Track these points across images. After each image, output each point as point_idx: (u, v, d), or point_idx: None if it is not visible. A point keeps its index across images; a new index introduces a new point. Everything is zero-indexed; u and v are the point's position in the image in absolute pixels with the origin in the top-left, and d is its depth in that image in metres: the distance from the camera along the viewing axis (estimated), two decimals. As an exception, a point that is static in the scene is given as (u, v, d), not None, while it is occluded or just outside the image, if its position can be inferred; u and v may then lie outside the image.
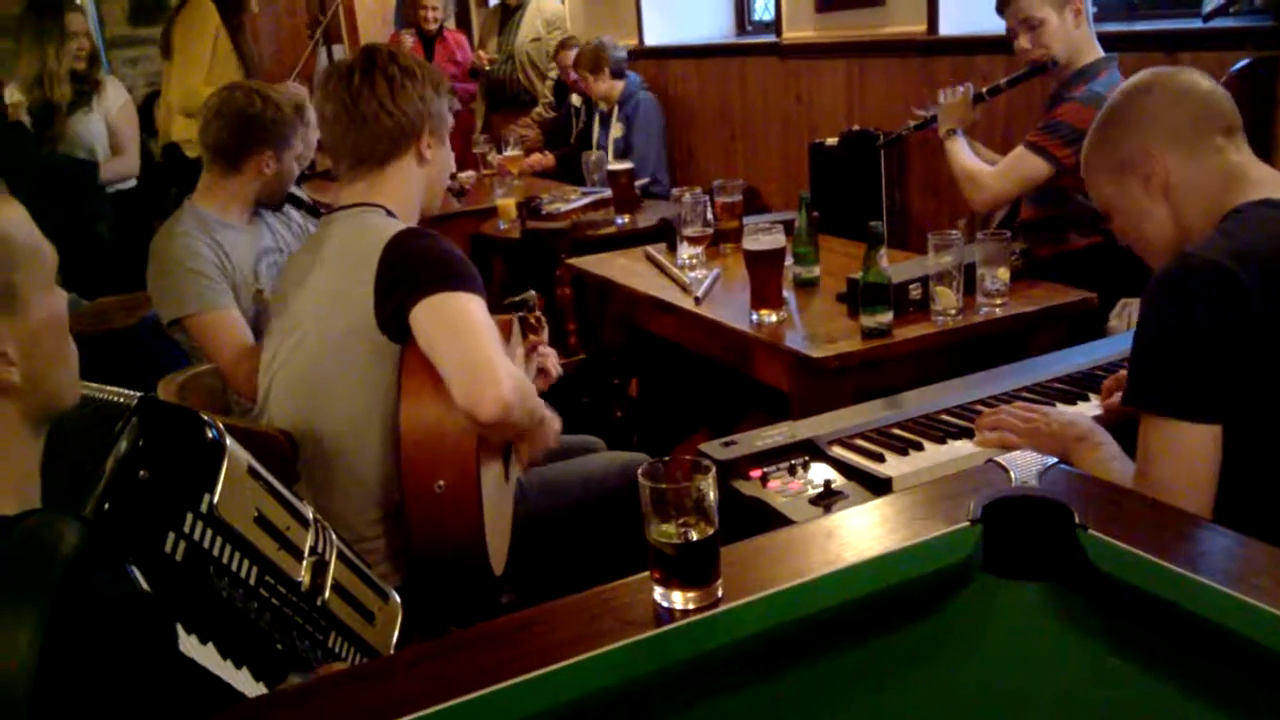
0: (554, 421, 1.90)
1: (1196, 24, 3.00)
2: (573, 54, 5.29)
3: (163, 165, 4.55)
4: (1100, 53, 2.87)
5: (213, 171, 2.41)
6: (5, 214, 1.11)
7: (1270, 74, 2.88)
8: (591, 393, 3.52)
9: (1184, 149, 1.56)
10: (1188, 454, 1.40)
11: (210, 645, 1.08)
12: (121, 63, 7.55)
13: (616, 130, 5.03)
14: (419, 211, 1.98)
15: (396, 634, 1.42)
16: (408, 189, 1.93)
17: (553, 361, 2.18)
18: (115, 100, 4.18)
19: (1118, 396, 1.82)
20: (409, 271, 1.74)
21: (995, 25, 3.04)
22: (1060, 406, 1.82)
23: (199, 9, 4.11)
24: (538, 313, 2.15)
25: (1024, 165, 2.81)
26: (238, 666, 1.11)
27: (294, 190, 2.60)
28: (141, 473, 1.07)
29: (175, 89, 4.27)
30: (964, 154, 2.94)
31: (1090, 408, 1.82)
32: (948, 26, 3.84)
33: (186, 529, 1.08)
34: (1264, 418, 1.41)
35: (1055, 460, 1.22)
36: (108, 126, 4.17)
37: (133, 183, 4.31)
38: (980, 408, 1.82)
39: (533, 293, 2.16)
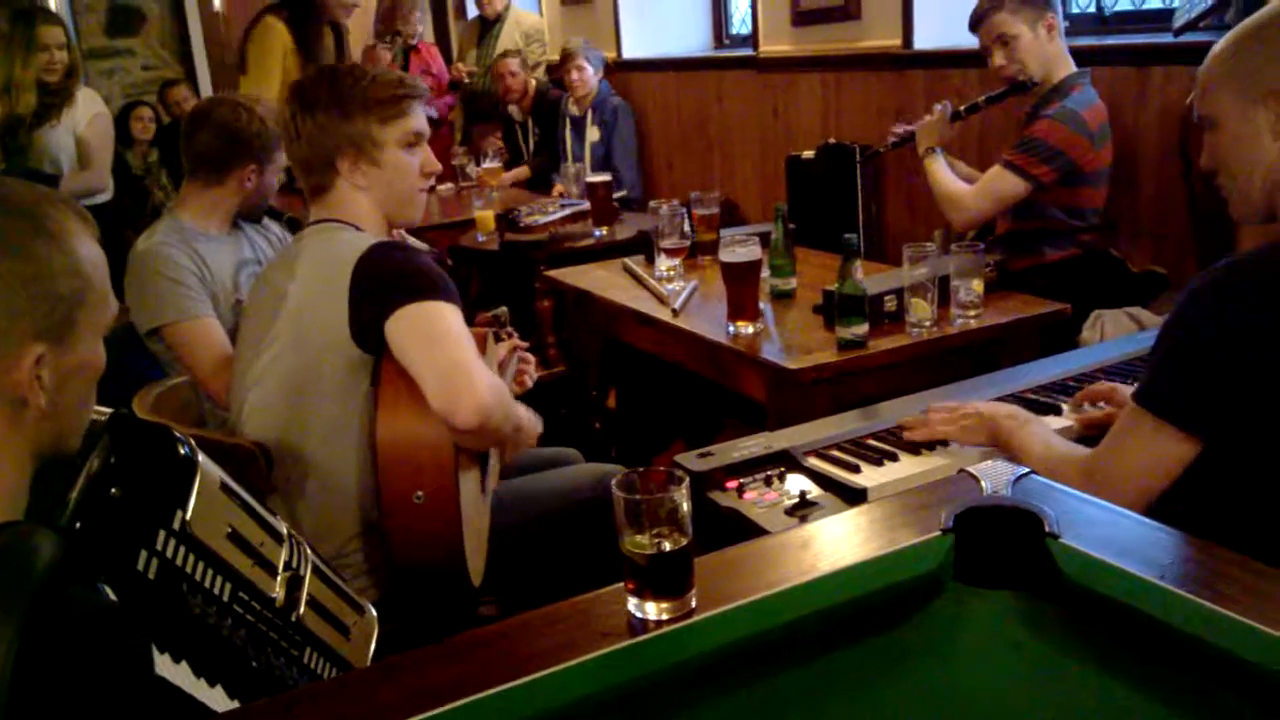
0: (534, 424, 1.91)
1: (1168, 39, 3.04)
2: (513, 62, 5.44)
3: None
4: (1073, 67, 2.91)
5: (195, 182, 2.42)
6: (90, 254, 1.15)
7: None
8: (569, 404, 3.52)
9: None
10: (1158, 457, 1.39)
11: (183, 663, 1.08)
12: (98, 74, 7.52)
13: (593, 134, 5.11)
14: (384, 226, 1.97)
15: (373, 648, 1.42)
16: (358, 208, 1.92)
17: (530, 369, 2.19)
18: (85, 113, 4.11)
19: (1090, 410, 1.83)
20: (382, 284, 1.74)
21: (969, 40, 3.07)
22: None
23: (270, 29, 4.00)
24: (509, 328, 2.16)
25: (1001, 184, 2.84)
26: (211, 685, 1.10)
27: (272, 203, 2.61)
28: (113, 490, 1.07)
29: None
30: (943, 173, 2.96)
31: (1062, 420, 1.83)
32: (922, 41, 3.87)
33: (159, 546, 1.07)
34: (1264, 445, 1.36)
35: (1027, 470, 1.24)
36: (76, 140, 4.11)
37: (106, 196, 4.25)
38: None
39: (504, 309, 2.18)
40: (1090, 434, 1.77)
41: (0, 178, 1.27)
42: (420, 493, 1.66)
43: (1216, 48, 1.47)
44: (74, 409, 1.16)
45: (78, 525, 1.06)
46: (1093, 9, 3.66)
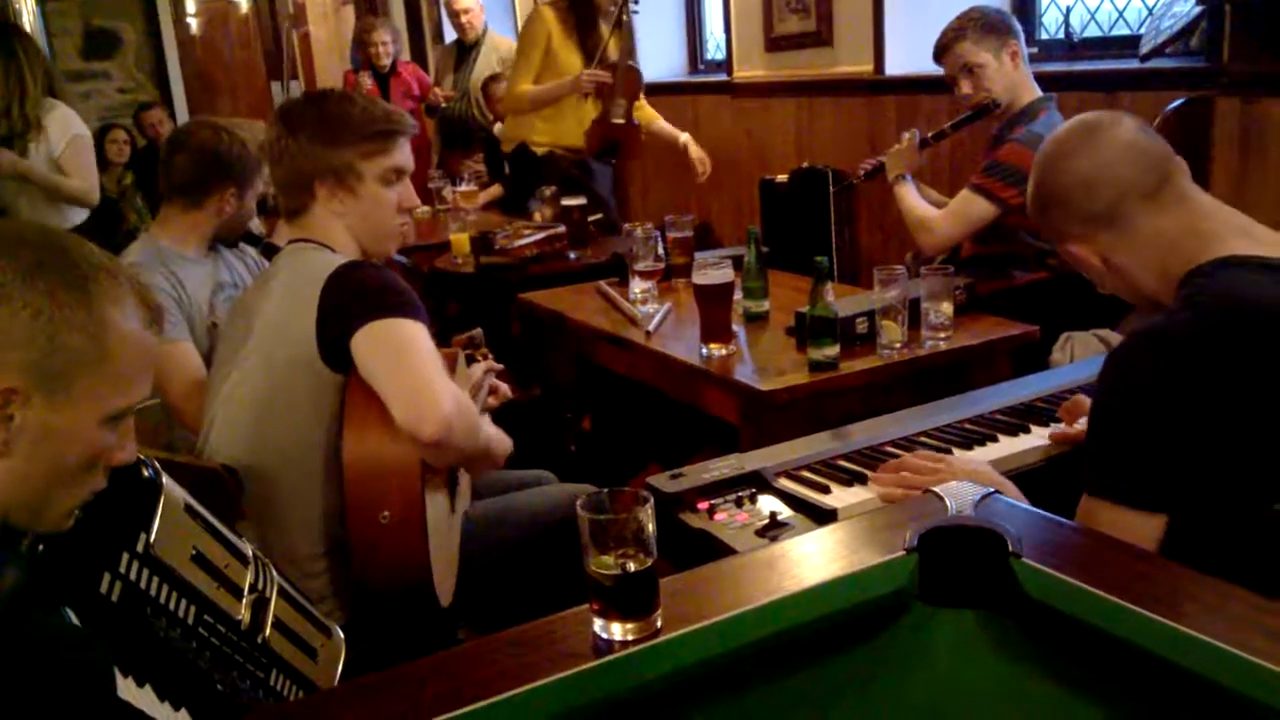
0: (504, 445, 1.91)
1: (1135, 64, 3.09)
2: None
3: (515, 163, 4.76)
4: (1039, 93, 2.95)
5: (174, 205, 2.41)
6: (125, 331, 1.11)
7: (1205, 113, 2.97)
8: (545, 427, 3.52)
9: (1150, 200, 1.47)
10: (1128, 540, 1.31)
11: (147, 687, 1.07)
12: (73, 97, 7.48)
13: None
14: (358, 252, 1.96)
15: (340, 670, 1.41)
16: (334, 232, 1.92)
17: (503, 388, 2.19)
18: (61, 138, 4.04)
19: (1061, 428, 1.84)
20: (349, 300, 1.75)
21: (938, 66, 3.11)
22: (958, 453, 1.79)
23: (538, 17, 4.35)
24: (484, 349, 2.16)
25: (970, 208, 2.87)
26: (176, 708, 1.10)
27: (250, 227, 2.60)
28: (75, 513, 1.06)
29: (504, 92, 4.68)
30: (913, 198, 3.00)
31: (1031, 440, 1.85)
32: (893, 67, 3.92)
33: (122, 569, 1.07)
34: (1224, 505, 1.33)
35: (991, 490, 1.24)
36: (55, 166, 4.05)
37: (80, 218, 4.20)
38: (924, 439, 1.85)
39: (479, 330, 2.18)
40: (1068, 449, 1.78)
41: (80, 239, 1.22)
42: (386, 513, 1.66)
43: (1032, 208, 1.62)
44: (51, 480, 1.06)
45: (40, 548, 1.05)
46: (1061, 35, 3.71)
